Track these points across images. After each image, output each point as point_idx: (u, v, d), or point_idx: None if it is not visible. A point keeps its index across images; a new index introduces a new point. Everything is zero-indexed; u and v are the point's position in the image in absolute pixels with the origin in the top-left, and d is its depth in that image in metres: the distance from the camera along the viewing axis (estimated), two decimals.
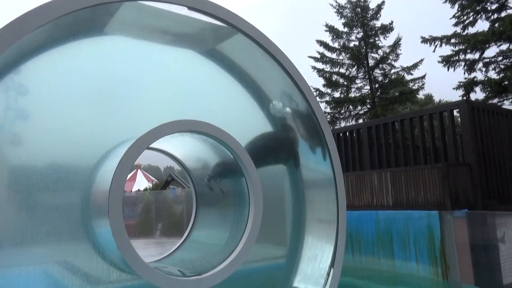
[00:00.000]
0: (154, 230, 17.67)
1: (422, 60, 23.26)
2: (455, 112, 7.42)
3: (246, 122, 2.88)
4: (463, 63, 18.77)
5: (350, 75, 24.53)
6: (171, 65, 2.68)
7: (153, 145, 2.28)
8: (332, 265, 2.85)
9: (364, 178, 6.85)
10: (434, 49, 19.06)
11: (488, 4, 17.99)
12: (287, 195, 3.07)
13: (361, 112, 24.37)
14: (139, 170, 26.36)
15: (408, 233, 6.11)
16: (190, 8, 2.46)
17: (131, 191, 23.34)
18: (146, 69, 2.53)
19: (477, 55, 18.43)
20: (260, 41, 2.73)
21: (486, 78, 18.12)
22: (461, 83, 18.75)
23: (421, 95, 30.67)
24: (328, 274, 2.82)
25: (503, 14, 17.64)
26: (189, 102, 2.63)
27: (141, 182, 25.57)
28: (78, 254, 2.05)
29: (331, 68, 24.51)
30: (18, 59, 2.01)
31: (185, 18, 2.52)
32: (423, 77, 23.76)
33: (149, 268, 1.97)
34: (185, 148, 2.99)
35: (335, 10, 24.65)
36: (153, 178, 28.52)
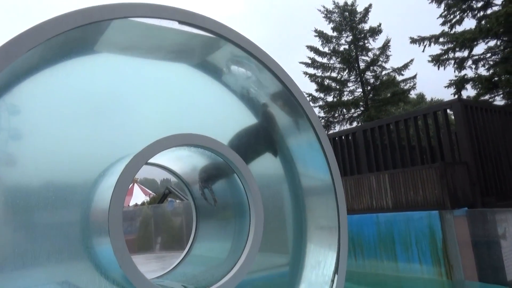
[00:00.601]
0: (153, 244, 17.52)
1: (412, 60, 23.48)
2: (449, 111, 7.47)
3: (244, 132, 2.88)
4: (452, 61, 18.94)
5: (342, 79, 24.69)
6: (164, 80, 2.68)
7: (150, 160, 2.27)
8: (336, 271, 2.84)
9: (362, 181, 6.85)
10: (424, 49, 19.24)
11: (473, 2, 18.23)
12: (287, 203, 3.06)
13: (355, 115, 24.49)
14: (135, 184, 26.23)
15: (409, 235, 6.09)
16: (180, 22, 2.46)
17: (129, 205, 23.19)
18: (139, 85, 2.53)
19: (466, 53, 18.61)
20: (250, 50, 2.73)
21: (476, 75, 18.29)
22: (452, 81, 18.88)
23: (413, 95, 30.92)
24: (333, 281, 2.80)
25: (488, 11, 17.88)
26: (185, 115, 2.62)
27: (138, 196, 25.42)
28: (80, 274, 2.03)
29: (322, 73, 24.67)
30: (11, 81, 2.00)
31: (176, 32, 2.53)
32: (414, 77, 23.98)
33: (153, 286, 1.95)
34: (182, 162, 2.98)
35: (323, 15, 24.87)
36: (150, 192, 28.37)
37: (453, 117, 7.11)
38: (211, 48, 2.76)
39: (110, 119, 2.36)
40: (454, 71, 19.10)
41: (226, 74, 2.88)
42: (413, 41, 19.27)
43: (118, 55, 2.48)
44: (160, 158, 2.82)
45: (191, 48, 2.71)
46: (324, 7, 24.76)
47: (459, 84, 18.41)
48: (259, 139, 2.99)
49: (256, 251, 2.40)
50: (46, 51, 2.04)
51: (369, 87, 24.45)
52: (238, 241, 2.71)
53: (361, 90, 24.50)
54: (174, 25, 2.49)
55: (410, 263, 6.20)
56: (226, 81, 2.88)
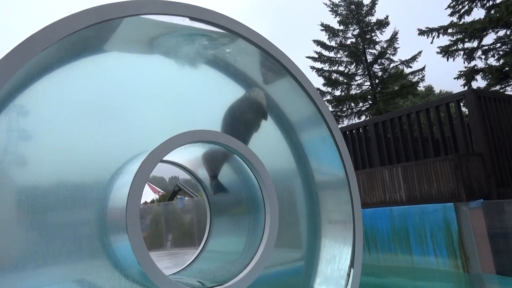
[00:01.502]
0: (165, 242, 17.64)
1: (420, 52, 23.19)
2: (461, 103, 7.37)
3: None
4: (462, 52, 18.72)
5: (350, 73, 24.50)
6: (175, 76, 2.67)
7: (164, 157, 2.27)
8: (351, 265, 2.83)
9: (375, 175, 6.79)
10: (432, 41, 19.04)
11: None
12: (300, 198, 3.05)
13: (363, 108, 24.31)
14: None
15: (424, 227, 6.03)
16: (191, 18, 2.45)
17: None
18: (150, 82, 2.53)
19: (475, 43, 18.38)
20: (262, 45, 2.71)
21: (486, 66, 18.05)
22: (462, 72, 18.68)
23: (421, 87, 30.60)
24: (349, 275, 2.79)
25: (498, 0, 17.59)
26: (197, 112, 2.61)
27: (148, 194, 25.56)
28: (97, 271, 2.04)
29: (329, 67, 24.48)
30: (26, 81, 2.01)
31: (187, 28, 2.52)
32: (423, 69, 23.69)
33: (171, 282, 1.96)
34: (195, 158, 2.98)
35: (330, 9, 24.66)
36: (159, 189, 28.51)
37: (465, 108, 7.00)
38: (222, 43, 2.75)
39: (122, 118, 2.36)
40: (464, 62, 18.90)
41: (236, 70, 2.86)
42: (421, 32, 19.06)
43: (130, 52, 2.48)
44: (173, 156, 2.82)
45: (203, 45, 2.69)
46: (330, 0, 24.54)
47: (469, 75, 18.19)
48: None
49: (272, 246, 2.39)
50: (60, 50, 2.05)
51: (377, 80, 24.23)
52: (253, 236, 2.71)
53: (369, 83, 24.29)
54: (185, 21, 2.48)
55: (425, 256, 6.14)
56: (238, 76, 2.86)
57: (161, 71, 2.61)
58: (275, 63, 2.81)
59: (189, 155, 2.96)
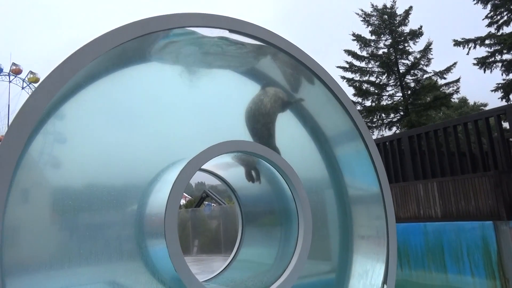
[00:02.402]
0: (191, 247, 17.80)
1: (455, 63, 22.57)
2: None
3: (292, 138, 2.87)
4: (500, 64, 18.10)
5: (381, 83, 24.14)
6: (213, 87, 2.72)
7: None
8: (385, 281, 2.77)
9: (409, 189, 6.62)
10: (468, 52, 18.54)
11: None
12: (333, 210, 3.02)
13: (394, 119, 23.84)
14: None
15: (460, 245, 5.81)
16: (231, 30, 2.50)
17: None
18: (189, 92, 2.59)
19: None
20: (300, 57, 2.73)
21: None
22: (500, 85, 18.05)
23: (455, 98, 29.73)
24: None
25: None
26: (233, 122, 2.65)
27: None
28: (129, 273, 2.09)
29: (360, 77, 24.22)
30: (74, 89, 2.10)
31: (226, 40, 2.57)
32: (458, 80, 23.01)
33: None
34: (230, 168, 3.02)
35: (362, 19, 24.47)
36: (186, 195, 28.88)
37: (506, 122, 6.73)
38: (260, 55, 2.78)
39: (162, 126, 2.42)
40: (502, 74, 18.25)
41: (271, 80, 2.88)
42: (457, 43, 18.60)
43: (171, 63, 2.55)
44: (207, 164, 2.87)
45: (241, 56, 2.74)
46: (362, 10, 24.38)
47: (507, 87, 17.55)
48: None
49: (305, 258, 2.38)
50: (107, 60, 2.14)
51: (409, 91, 23.74)
52: (285, 247, 2.70)
53: (400, 94, 23.84)
54: (225, 33, 2.54)
55: (461, 275, 5.91)
56: (272, 86, 2.88)
57: (203, 83, 2.66)
58: (311, 75, 2.82)
59: (224, 165, 3.00)
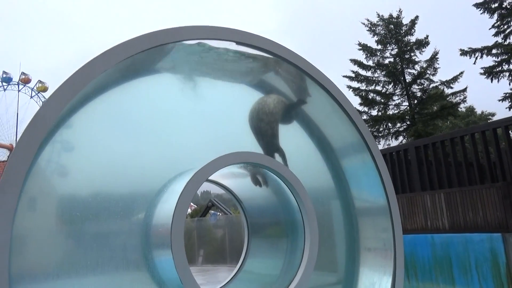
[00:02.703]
0: (196, 257, 17.73)
1: (461, 73, 22.50)
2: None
3: (298, 148, 2.88)
4: (507, 74, 18.02)
5: (387, 92, 24.11)
6: (220, 98, 2.74)
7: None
8: None
9: (416, 200, 6.56)
10: (475, 61, 18.50)
11: None
12: (339, 222, 3.01)
13: (401, 129, 23.75)
14: None
15: (468, 257, 5.74)
16: (238, 43, 2.53)
17: None
18: (196, 102, 2.61)
19: None
20: (306, 69, 2.75)
21: None
22: (507, 94, 17.95)
23: (462, 108, 29.55)
24: None
25: None
26: (241, 134, 2.66)
27: None
28: (134, 283, 2.09)
29: (366, 86, 24.22)
30: (82, 100, 2.13)
31: (233, 52, 2.60)
32: (464, 90, 22.90)
33: None
34: (236, 178, 3.02)
35: (368, 28, 24.55)
36: (192, 204, 28.88)
37: None
38: (266, 66, 2.80)
39: (169, 136, 2.44)
40: (509, 84, 18.15)
41: (278, 92, 2.90)
42: (464, 53, 18.57)
43: (179, 75, 2.58)
44: (214, 175, 2.87)
45: (249, 68, 2.76)
46: (368, 20, 24.46)
47: None
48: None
49: (311, 269, 2.37)
50: (116, 72, 2.17)
51: (415, 101, 23.67)
52: (291, 259, 2.69)
53: (407, 103, 23.77)
54: (232, 45, 2.56)
55: (469, 287, 5.83)
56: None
57: (210, 94, 2.68)
58: (317, 85, 2.83)
59: (231, 176, 3.00)
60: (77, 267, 1.94)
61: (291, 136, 2.86)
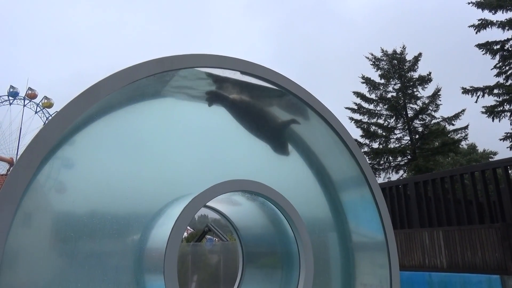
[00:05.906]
0: (189, 283, 17.37)
1: (463, 110, 22.71)
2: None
3: (297, 179, 2.88)
4: (508, 114, 18.17)
5: (389, 126, 24.26)
6: (222, 126, 2.77)
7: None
8: None
9: (414, 236, 6.48)
10: (476, 100, 18.69)
11: None
12: (336, 256, 2.97)
13: (402, 163, 23.74)
14: None
15: None
16: (242, 72, 2.58)
17: None
18: (198, 129, 2.63)
19: None
20: (308, 101, 2.78)
21: None
22: (508, 134, 18.03)
23: (463, 145, 29.61)
24: None
25: None
26: (240, 162, 2.67)
27: None
28: None
29: (369, 119, 24.40)
30: (85, 121, 2.15)
31: (237, 81, 2.65)
32: (466, 127, 23.05)
33: None
34: (234, 206, 3.01)
35: (371, 63, 24.97)
36: (188, 228, 28.56)
37: None
38: (271, 98, 2.84)
39: (169, 160, 2.45)
40: (511, 124, 18.27)
41: (280, 121, 2.93)
42: (465, 91, 18.79)
43: (181, 100, 2.62)
44: (212, 201, 2.86)
45: (252, 98, 2.80)
46: (372, 54, 24.92)
47: None
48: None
49: None
50: (121, 95, 2.20)
51: (417, 136, 23.78)
52: None
53: (408, 138, 23.87)
54: (236, 75, 2.61)
55: None
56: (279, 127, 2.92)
57: (211, 121, 2.71)
58: (319, 117, 2.86)
59: (229, 203, 2.99)
60: (67, 287, 1.91)
61: (290, 167, 2.87)
